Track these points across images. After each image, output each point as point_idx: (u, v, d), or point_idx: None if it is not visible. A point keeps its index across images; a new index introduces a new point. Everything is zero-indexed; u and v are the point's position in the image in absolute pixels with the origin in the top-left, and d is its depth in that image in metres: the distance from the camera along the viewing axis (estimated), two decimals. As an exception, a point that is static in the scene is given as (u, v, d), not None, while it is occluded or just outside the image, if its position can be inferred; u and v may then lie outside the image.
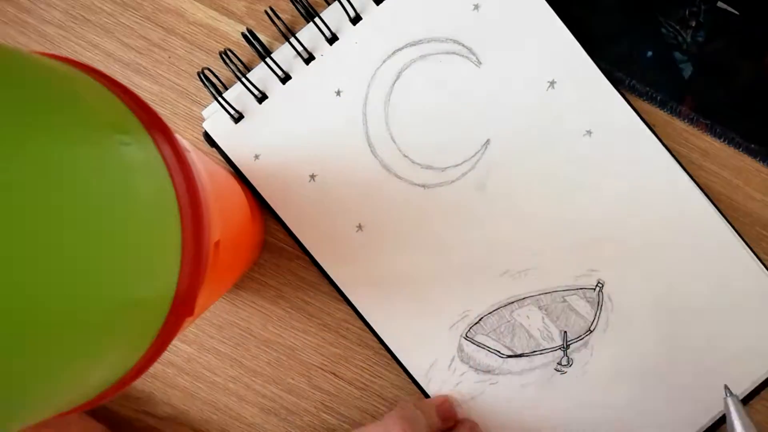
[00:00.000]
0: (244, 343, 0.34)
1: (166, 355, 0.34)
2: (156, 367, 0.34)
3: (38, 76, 0.15)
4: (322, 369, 0.34)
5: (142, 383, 0.34)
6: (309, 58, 0.32)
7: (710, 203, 0.32)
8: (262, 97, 0.32)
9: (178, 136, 0.19)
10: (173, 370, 0.34)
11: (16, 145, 0.12)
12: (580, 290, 0.32)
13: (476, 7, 0.32)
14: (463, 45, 0.32)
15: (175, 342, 0.34)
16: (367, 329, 0.33)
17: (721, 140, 0.33)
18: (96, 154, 0.15)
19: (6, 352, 0.12)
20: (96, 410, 0.34)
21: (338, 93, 0.32)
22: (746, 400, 0.32)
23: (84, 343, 0.14)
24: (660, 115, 0.33)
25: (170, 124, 0.30)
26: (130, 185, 0.15)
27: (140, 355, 0.17)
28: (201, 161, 0.22)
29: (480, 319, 0.32)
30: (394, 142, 0.32)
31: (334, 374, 0.34)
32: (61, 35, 0.33)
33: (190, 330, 0.34)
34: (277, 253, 0.34)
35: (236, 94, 0.32)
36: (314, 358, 0.34)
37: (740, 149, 0.33)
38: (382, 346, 0.33)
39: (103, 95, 0.17)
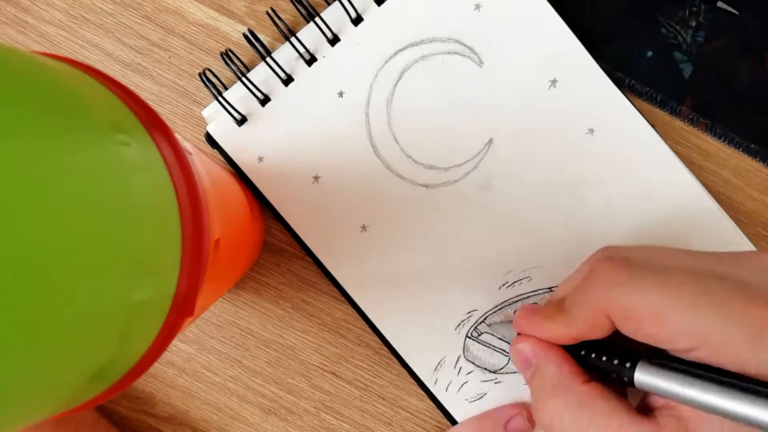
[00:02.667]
0: (244, 343, 0.34)
1: (166, 355, 0.34)
2: (156, 367, 0.34)
3: (38, 76, 0.15)
4: (322, 369, 0.34)
5: (142, 383, 0.34)
6: (311, 60, 0.32)
7: (713, 201, 0.32)
8: (264, 100, 0.32)
9: (179, 137, 0.19)
10: (173, 370, 0.34)
11: (14, 145, 0.12)
12: None
13: (477, 7, 0.32)
14: (465, 45, 0.32)
15: (175, 342, 0.34)
16: (368, 329, 0.33)
17: (721, 140, 0.33)
18: (95, 154, 0.15)
19: (5, 354, 0.12)
20: (96, 410, 0.34)
21: (341, 94, 0.32)
22: None
23: (83, 344, 0.14)
24: (660, 115, 0.33)
25: (170, 124, 0.30)
26: (129, 185, 0.15)
27: (140, 355, 0.17)
28: (201, 161, 0.22)
29: (485, 318, 0.32)
30: (397, 142, 0.32)
31: (334, 374, 0.34)
32: (61, 35, 0.33)
33: (190, 330, 0.34)
34: (277, 253, 0.34)
35: (239, 97, 0.32)
36: (314, 358, 0.34)
37: (740, 149, 0.33)
38: (382, 346, 0.33)
39: (103, 95, 0.17)
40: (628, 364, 0.24)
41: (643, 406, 0.25)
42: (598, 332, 0.25)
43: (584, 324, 0.25)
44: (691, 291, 0.22)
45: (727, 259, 0.23)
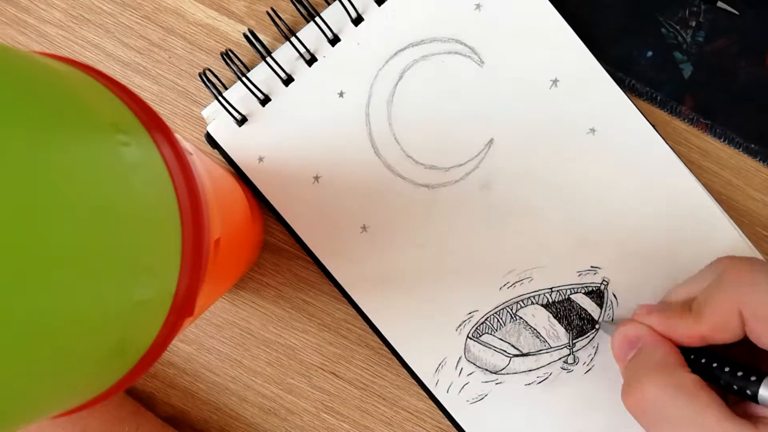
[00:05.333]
0: (244, 343, 0.34)
1: (166, 355, 0.34)
2: (156, 367, 0.34)
3: (38, 76, 0.15)
4: (322, 369, 0.34)
5: (142, 383, 0.34)
6: (311, 60, 0.32)
7: (713, 201, 0.32)
8: (265, 100, 0.32)
9: (179, 137, 0.19)
10: (173, 370, 0.34)
11: (14, 145, 0.12)
12: (584, 288, 0.32)
13: (478, 6, 0.32)
14: (466, 45, 0.32)
15: (175, 342, 0.34)
16: (368, 329, 0.33)
17: (721, 140, 0.33)
18: (95, 154, 0.15)
19: (5, 356, 0.12)
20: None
21: (341, 94, 0.32)
22: None
23: (83, 345, 0.14)
24: (660, 115, 0.33)
25: (170, 124, 0.30)
26: (129, 185, 0.15)
27: (140, 355, 0.17)
28: (201, 161, 0.22)
29: (486, 319, 0.32)
30: (398, 142, 0.32)
31: (334, 374, 0.34)
32: (61, 35, 0.33)
33: (190, 330, 0.34)
34: (277, 253, 0.34)
35: (239, 97, 0.32)
36: (314, 358, 0.34)
37: (740, 149, 0.33)
38: (382, 346, 0.33)
39: (103, 95, 0.17)
40: (753, 378, 0.24)
41: (742, 413, 0.25)
42: (726, 334, 0.25)
43: (714, 323, 0.25)
44: None
45: None
